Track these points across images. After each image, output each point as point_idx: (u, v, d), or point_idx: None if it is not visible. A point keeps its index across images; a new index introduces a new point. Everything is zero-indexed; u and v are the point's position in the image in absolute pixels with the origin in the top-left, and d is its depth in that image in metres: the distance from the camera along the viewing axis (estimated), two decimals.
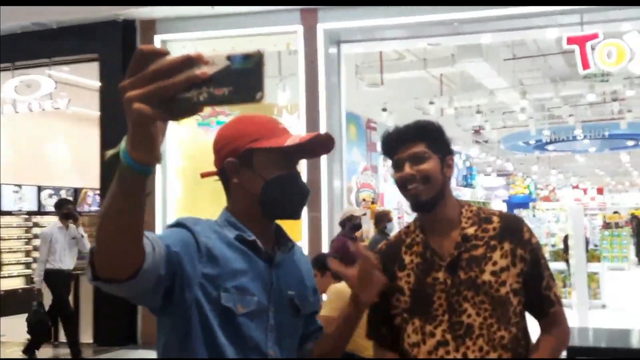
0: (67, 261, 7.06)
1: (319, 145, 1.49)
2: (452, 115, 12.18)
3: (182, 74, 0.88)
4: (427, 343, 1.65)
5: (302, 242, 6.62)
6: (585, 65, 6.43)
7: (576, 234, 8.21)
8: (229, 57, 0.89)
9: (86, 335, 7.45)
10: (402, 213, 12.23)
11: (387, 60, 9.47)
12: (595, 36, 6.37)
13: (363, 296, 1.58)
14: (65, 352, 7.27)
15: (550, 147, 18.37)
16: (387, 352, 1.77)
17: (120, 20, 7.36)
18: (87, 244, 7.15)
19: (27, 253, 11.35)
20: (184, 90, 0.89)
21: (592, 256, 10.48)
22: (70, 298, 7.44)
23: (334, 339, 1.63)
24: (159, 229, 6.65)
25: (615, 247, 14.93)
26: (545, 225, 14.21)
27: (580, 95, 11.68)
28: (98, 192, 10.21)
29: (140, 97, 0.88)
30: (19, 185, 11.18)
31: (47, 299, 7.10)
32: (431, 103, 11.16)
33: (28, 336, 6.96)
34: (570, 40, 6.47)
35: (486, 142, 18.29)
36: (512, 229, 1.68)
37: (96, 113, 7.80)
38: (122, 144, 0.94)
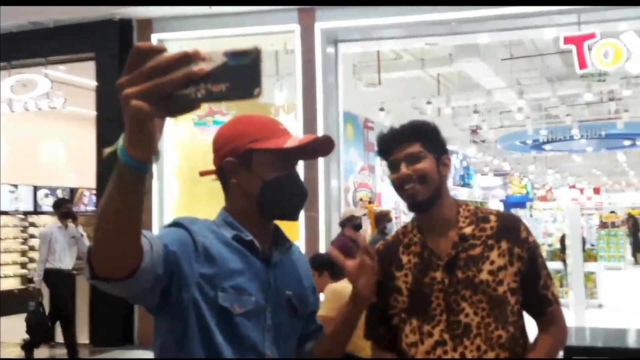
0: (66, 261, 7.03)
1: (318, 147, 1.48)
2: (450, 115, 12.20)
3: (179, 70, 0.88)
4: (425, 343, 1.65)
5: (299, 242, 6.62)
6: (582, 65, 6.44)
7: (573, 234, 8.22)
8: (226, 54, 0.89)
9: (82, 336, 7.42)
10: (399, 213, 12.22)
11: (385, 60, 9.47)
12: (592, 36, 6.37)
13: (360, 288, 1.57)
14: (61, 352, 7.25)
15: (547, 146, 18.40)
16: (385, 352, 1.77)
17: (116, 19, 7.34)
18: (87, 243, 7.12)
19: (24, 253, 11.33)
20: (181, 87, 0.88)
21: (589, 256, 10.50)
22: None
23: (334, 340, 1.62)
24: (155, 229, 6.63)
25: (611, 247, 14.98)
26: (542, 224, 14.25)
27: (577, 94, 11.70)
28: (94, 191, 10.18)
29: (138, 94, 0.88)
30: (15, 185, 11.15)
31: (46, 300, 7.08)
32: (429, 103, 11.17)
33: (24, 336, 6.94)
34: (568, 40, 6.47)
35: (483, 141, 18.31)
36: (509, 228, 1.68)
37: (92, 112, 7.78)
38: (120, 142, 0.93)
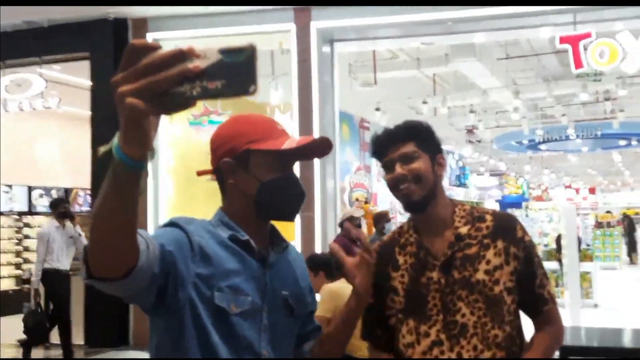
0: (64, 261, 7.00)
1: (316, 148, 1.48)
2: (446, 115, 12.20)
3: (174, 68, 0.88)
4: (422, 343, 1.65)
5: (295, 242, 6.60)
6: (578, 64, 6.44)
7: (569, 234, 8.24)
8: (221, 51, 0.89)
9: (77, 337, 7.39)
10: (395, 213, 12.24)
11: (381, 59, 9.47)
12: (587, 35, 6.38)
13: (359, 285, 1.56)
14: (56, 353, 7.22)
15: (543, 146, 18.44)
16: (382, 353, 1.77)
17: (111, 18, 7.31)
18: (85, 243, 7.08)
19: (18, 254, 11.28)
20: (176, 84, 0.88)
21: (585, 256, 10.53)
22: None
23: (334, 340, 1.62)
24: (150, 229, 6.61)
25: (607, 247, 15.02)
26: (537, 224, 14.28)
27: (573, 94, 11.72)
28: (89, 192, 10.14)
29: (133, 91, 0.87)
30: (9, 186, 11.11)
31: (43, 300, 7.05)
32: (424, 103, 11.17)
33: (19, 337, 6.91)
34: (563, 40, 6.48)
35: (479, 141, 18.33)
36: (505, 228, 1.69)
37: (87, 112, 7.74)
38: (115, 140, 0.93)
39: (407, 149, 1.67)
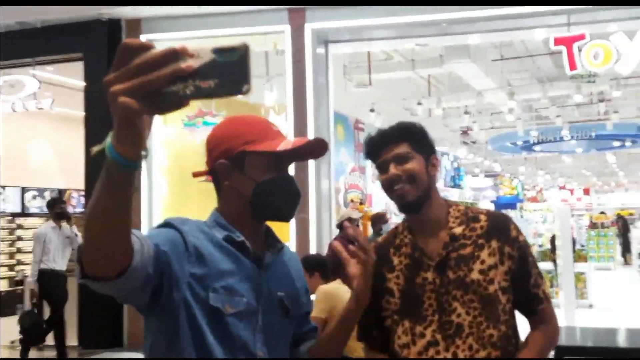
0: (60, 262, 6.97)
1: (311, 149, 1.49)
2: (440, 116, 12.22)
3: (167, 67, 0.87)
4: (418, 344, 1.65)
5: (290, 243, 6.60)
6: (573, 66, 6.46)
7: (563, 235, 8.27)
8: (214, 50, 0.89)
9: (71, 338, 7.36)
10: (389, 214, 12.24)
11: (375, 60, 9.47)
12: (582, 37, 6.40)
13: (356, 285, 1.54)
14: (50, 354, 7.19)
15: (537, 147, 18.50)
16: (378, 354, 1.77)
17: (105, 19, 7.29)
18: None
19: (11, 255, 11.22)
20: (169, 83, 0.88)
21: (579, 256, 10.55)
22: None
23: (333, 340, 1.61)
24: (144, 229, 6.59)
25: (601, 247, 15.07)
26: (532, 225, 14.31)
27: (567, 96, 11.75)
28: (83, 193, 10.11)
29: (125, 91, 0.87)
30: (2, 187, 11.05)
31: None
32: (419, 104, 11.17)
33: (13, 338, 6.87)
34: (558, 41, 6.49)
35: (474, 142, 18.37)
36: (499, 227, 1.69)
37: (81, 113, 7.72)
38: (108, 140, 0.93)
39: (400, 149, 1.68)
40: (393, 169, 1.67)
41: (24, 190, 11.46)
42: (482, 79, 10.41)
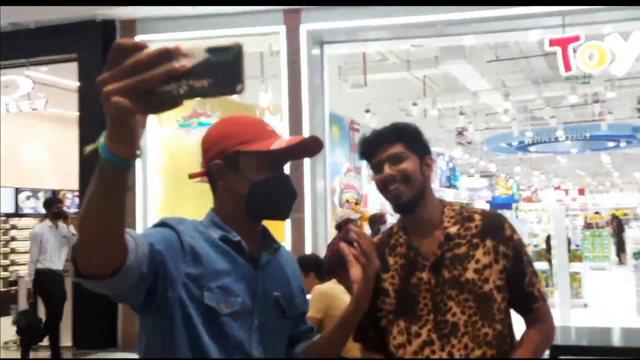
0: (57, 261, 6.95)
1: (306, 147, 1.49)
2: (436, 117, 12.23)
3: (160, 67, 0.87)
4: (413, 343, 1.65)
5: (285, 244, 6.59)
6: (567, 67, 6.47)
7: (558, 235, 8.28)
8: (208, 50, 0.88)
9: (65, 338, 7.33)
10: (385, 215, 12.23)
11: (371, 61, 9.47)
12: (576, 38, 6.41)
13: (356, 290, 1.54)
14: (44, 354, 7.15)
15: (532, 148, 18.53)
16: (374, 354, 1.77)
17: (99, 20, 7.26)
18: None
19: (5, 256, 11.17)
20: (163, 83, 0.88)
21: (574, 256, 10.60)
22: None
23: (331, 342, 1.61)
24: (139, 230, 6.55)
25: (596, 247, 15.13)
26: (527, 225, 14.35)
27: (562, 96, 11.78)
28: (77, 194, 10.08)
29: (118, 90, 0.87)
30: None
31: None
32: (414, 104, 11.18)
33: (5, 339, 6.84)
34: (552, 43, 6.51)
35: (469, 143, 18.39)
36: (493, 226, 1.70)
37: (75, 114, 7.70)
38: (101, 139, 0.93)
39: (395, 149, 1.68)
40: (387, 169, 1.68)
41: (17, 190, 11.42)
42: (477, 80, 10.43)
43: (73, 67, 7.52)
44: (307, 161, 6.62)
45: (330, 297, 3.85)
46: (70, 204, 11.88)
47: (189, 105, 7.63)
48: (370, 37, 7.28)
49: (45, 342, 7.07)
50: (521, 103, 13.27)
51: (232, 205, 1.47)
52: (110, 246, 1.06)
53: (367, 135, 1.76)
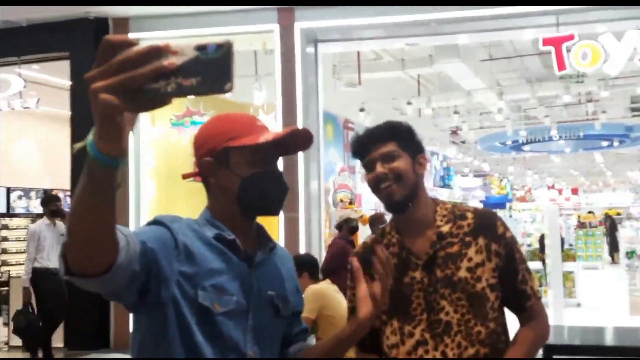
0: (54, 259, 6.89)
1: (297, 141, 1.47)
2: (430, 116, 12.22)
3: (149, 64, 0.86)
4: (407, 343, 1.65)
5: (279, 243, 6.57)
6: (561, 66, 6.48)
7: (552, 234, 8.31)
8: (197, 48, 0.87)
9: (57, 339, 7.28)
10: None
11: (365, 60, 9.46)
12: (570, 37, 6.42)
13: (362, 314, 1.44)
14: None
15: (526, 147, 18.57)
16: (368, 354, 1.77)
17: (92, 18, 7.22)
18: None
19: None
20: (151, 81, 0.86)
21: (568, 255, 10.62)
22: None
23: (324, 355, 1.55)
24: (132, 229, 6.53)
25: (589, 247, 15.16)
26: (521, 225, 14.35)
27: (555, 96, 11.80)
28: (68, 193, 10.03)
29: (107, 87, 0.86)
30: None
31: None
32: (409, 103, 11.18)
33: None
34: (546, 42, 6.52)
35: (463, 142, 18.41)
36: (485, 225, 1.69)
37: (67, 113, 7.65)
38: (90, 137, 0.92)
39: (387, 148, 1.68)
40: (380, 168, 1.67)
41: (9, 190, 11.36)
42: (471, 79, 10.44)
43: (65, 65, 7.48)
44: (300, 161, 6.60)
45: (324, 297, 3.84)
46: (62, 203, 11.83)
47: (182, 104, 7.61)
48: (364, 35, 7.28)
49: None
50: (515, 102, 13.29)
51: (225, 202, 1.46)
52: (100, 244, 1.05)
53: (360, 134, 1.75)
